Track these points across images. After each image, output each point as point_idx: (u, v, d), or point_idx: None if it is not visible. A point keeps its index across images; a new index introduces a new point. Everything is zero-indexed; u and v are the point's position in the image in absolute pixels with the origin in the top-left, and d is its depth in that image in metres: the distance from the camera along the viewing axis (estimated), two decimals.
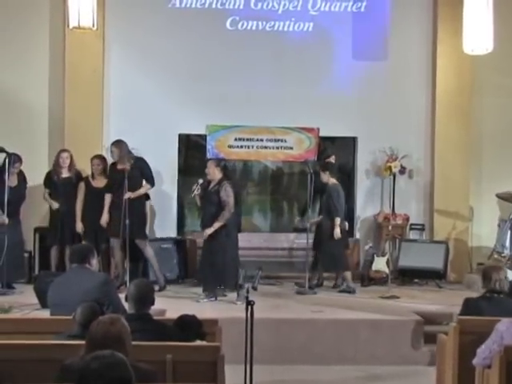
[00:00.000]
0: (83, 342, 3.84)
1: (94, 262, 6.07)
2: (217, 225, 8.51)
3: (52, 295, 5.92)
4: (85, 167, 9.77)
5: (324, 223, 9.46)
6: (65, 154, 9.65)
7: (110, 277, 6.27)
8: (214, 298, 8.67)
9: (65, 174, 9.67)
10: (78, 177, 9.74)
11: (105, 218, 9.35)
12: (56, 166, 9.66)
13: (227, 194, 8.57)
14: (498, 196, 10.35)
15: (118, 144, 9.45)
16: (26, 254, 9.90)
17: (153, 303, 4.95)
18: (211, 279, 8.69)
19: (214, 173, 8.71)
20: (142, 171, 9.44)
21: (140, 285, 5.01)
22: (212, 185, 8.71)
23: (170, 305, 7.82)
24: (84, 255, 5.95)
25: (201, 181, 8.70)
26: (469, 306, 5.95)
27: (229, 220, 8.71)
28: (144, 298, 4.88)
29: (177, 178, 10.70)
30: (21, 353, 4.45)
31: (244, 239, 9.44)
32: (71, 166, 9.68)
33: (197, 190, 8.75)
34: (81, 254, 6.00)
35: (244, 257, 9.19)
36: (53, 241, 9.68)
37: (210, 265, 8.63)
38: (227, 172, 8.90)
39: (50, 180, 9.70)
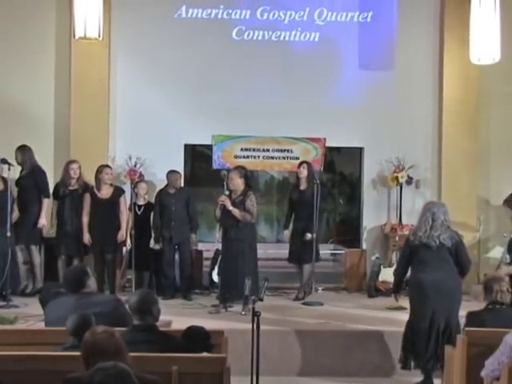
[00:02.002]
0: (78, 353, 3.81)
1: (91, 283, 5.69)
2: (235, 211, 8.57)
3: (51, 322, 5.52)
4: (91, 178, 9.75)
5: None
6: (75, 165, 9.63)
7: (118, 297, 6.07)
8: (224, 310, 8.68)
9: (73, 185, 9.66)
10: (85, 188, 9.72)
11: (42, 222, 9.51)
12: (66, 177, 9.64)
13: (252, 203, 8.65)
14: (506, 202, 10.31)
15: (20, 149, 9.59)
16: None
17: (151, 313, 4.86)
18: (234, 291, 8.65)
19: (239, 183, 8.72)
20: (36, 182, 9.45)
21: (137, 295, 4.96)
22: (236, 195, 8.70)
23: (176, 316, 7.81)
24: (79, 281, 5.58)
25: (227, 192, 8.67)
26: (472, 320, 5.91)
27: (253, 233, 8.83)
28: (143, 308, 4.82)
29: (181, 187, 10.68)
30: (20, 364, 4.43)
31: None
32: (79, 177, 9.68)
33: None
34: (76, 281, 5.58)
35: None
36: (60, 252, 9.68)
37: (235, 277, 8.57)
38: (249, 181, 8.92)
39: (58, 192, 9.70)
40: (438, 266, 6.79)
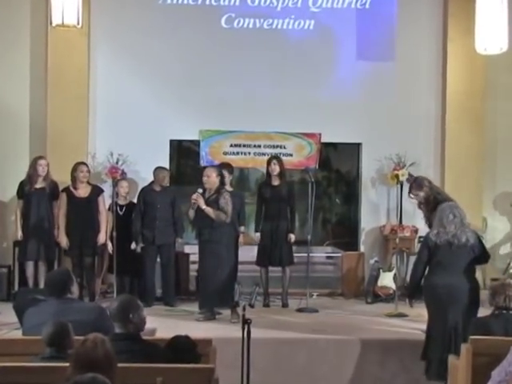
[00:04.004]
0: (57, 364, 3.81)
1: (75, 289, 5.71)
2: (209, 210, 8.54)
3: (30, 329, 5.44)
4: (69, 176, 9.73)
5: None
6: (44, 162, 9.61)
7: (101, 305, 6.02)
8: (213, 317, 8.70)
9: (39, 183, 9.62)
10: (53, 187, 9.70)
11: None
12: (33, 174, 9.60)
13: (226, 201, 8.63)
14: None
15: None
16: (5, 269, 9.91)
17: (133, 320, 4.82)
18: (211, 296, 8.67)
19: (215, 181, 8.72)
20: None
21: (119, 301, 4.95)
22: (210, 194, 8.70)
23: (160, 323, 7.80)
24: (64, 285, 5.55)
25: (200, 190, 8.66)
26: (477, 326, 6.03)
27: (229, 234, 8.82)
28: (124, 316, 4.79)
29: (168, 186, 10.67)
30: None
31: (240, 253, 9.43)
32: (47, 175, 9.65)
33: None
34: (60, 285, 5.54)
35: (240, 272, 9.17)
36: (25, 256, 9.64)
37: (210, 281, 8.60)
38: (223, 180, 8.93)
39: (24, 190, 9.67)
40: (455, 267, 6.94)
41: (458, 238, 6.96)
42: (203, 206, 8.56)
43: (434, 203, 8.11)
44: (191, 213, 8.74)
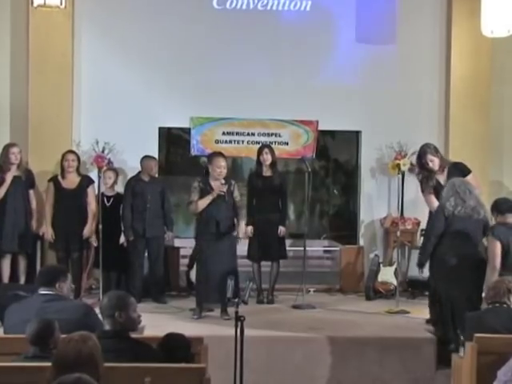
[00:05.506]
0: (41, 364, 3.81)
1: (66, 288, 5.72)
2: (242, 225, 8.76)
3: (12, 326, 5.51)
4: (52, 165, 9.74)
5: None
6: (16, 149, 9.57)
7: (88, 304, 6.04)
8: (204, 314, 8.73)
9: (13, 172, 9.60)
10: (28, 175, 9.71)
11: None
12: (5, 163, 9.56)
13: (240, 193, 8.81)
14: None
15: None
16: None
17: (116, 319, 4.79)
18: (219, 291, 8.66)
19: (226, 170, 8.77)
20: None
21: (109, 297, 4.96)
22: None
23: (149, 321, 7.80)
24: (53, 277, 5.64)
25: (223, 181, 8.61)
26: (469, 322, 6.19)
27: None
28: (113, 313, 4.80)
29: (157, 176, 10.68)
30: None
31: None
32: (21, 163, 9.64)
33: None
34: (49, 276, 5.68)
35: None
36: (2, 248, 9.59)
37: (223, 275, 8.58)
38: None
39: None
40: (470, 239, 7.51)
41: (477, 212, 7.50)
42: (227, 198, 8.62)
43: (454, 168, 8.65)
44: (202, 203, 8.68)
